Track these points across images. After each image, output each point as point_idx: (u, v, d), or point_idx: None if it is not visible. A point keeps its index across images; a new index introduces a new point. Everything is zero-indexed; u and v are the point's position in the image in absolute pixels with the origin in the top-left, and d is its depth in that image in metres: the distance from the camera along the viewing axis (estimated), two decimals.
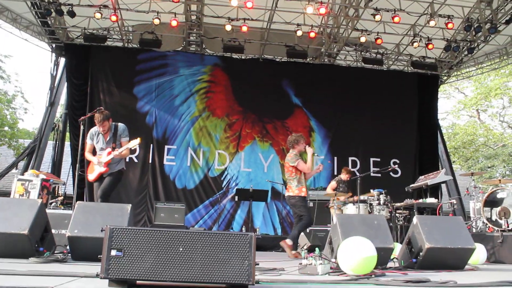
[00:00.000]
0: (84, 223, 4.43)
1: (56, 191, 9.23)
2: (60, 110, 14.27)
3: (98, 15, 10.82)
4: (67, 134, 12.63)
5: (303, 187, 6.80)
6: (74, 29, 11.90)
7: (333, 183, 9.32)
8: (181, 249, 2.58)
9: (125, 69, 12.19)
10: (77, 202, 4.79)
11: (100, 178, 6.24)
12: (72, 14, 10.77)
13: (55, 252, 4.73)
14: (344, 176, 9.32)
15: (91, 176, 6.27)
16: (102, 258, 2.54)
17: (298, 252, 6.54)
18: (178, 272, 2.54)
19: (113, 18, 10.91)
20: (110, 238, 2.57)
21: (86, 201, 10.74)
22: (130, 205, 4.80)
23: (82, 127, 6.85)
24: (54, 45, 12.46)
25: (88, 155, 6.39)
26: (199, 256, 2.57)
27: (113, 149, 6.19)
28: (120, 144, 6.27)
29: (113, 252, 2.54)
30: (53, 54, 12.52)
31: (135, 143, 6.14)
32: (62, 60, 12.55)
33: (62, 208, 8.92)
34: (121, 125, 6.35)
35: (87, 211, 4.60)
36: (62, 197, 9.30)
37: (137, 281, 2.57)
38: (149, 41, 11.73)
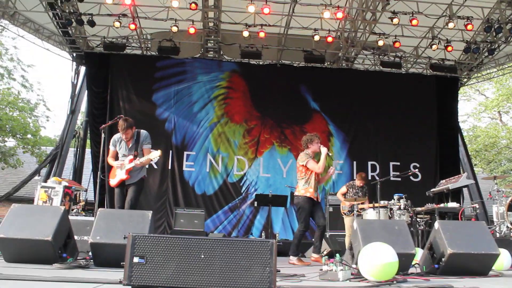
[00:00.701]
0: (106, 229, 4.48)
1: (78, 198, 9.36)
2: (81, 118, 14.50)
3: (117, 24, 11.00)
4: (88, 141, 12.80)
5: (310, 188, 6.50)
6: (94, 38, 12.12)
7: (343, 188, 9.07)
8: (202, 256, 2.60)
9: (144, 77, 12.32)
10: (99, 209, 4.84)
11: (122, 184, 6.30)
12: (92, 23, 10.98)
13: (78, 258, 4.78)
14: (358, 182, 9.02)
15: (113, 181, 6.34)
16: (125, 265, 2.58)
17: (320, 256, 6.38)
18: (200, 279, 2.55)
19: (132, 26, 11.05)
20: (132, 245, 2.60)
21: (106, 207, 10.91)
22: (151, 212, 4.80)
23: (103, 135, 6.91)
24: (74, 54, 12.70)
25: (110, 161, 6.47)
26: (220, 263, 2.58)
27: (135, 156, 6.24)
28: (142, 151, 6.32)
29: (136, 259, 2.57)
30: (74, 63, 12.78)
31: (156, 155, 6.16)
32: (83, 69, 12.78)
33: (84, 214, 9.08)
34: (143, 132, 6.42)
35: (109, 218, 4.66)
36: (83, 204, 9.45)
37: None
38: (167, 49, 11.87)
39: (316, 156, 6.77)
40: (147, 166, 6.64)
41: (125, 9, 10.85)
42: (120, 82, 12.19)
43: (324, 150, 6.60)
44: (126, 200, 6.19)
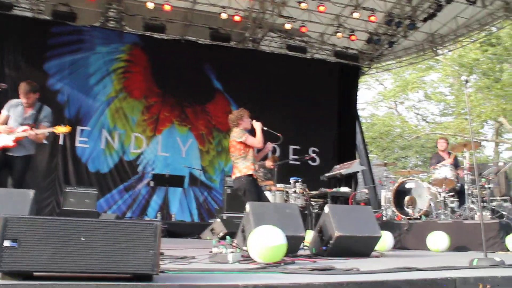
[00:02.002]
0: None
1: None
2: None
3: None
4: None
5: (251, 165, 5.92)
6: None
7: None
8: (82, 239, 2.45)
9: (35, 43, 11.18)
10: None
11: (3, 152, 5.61)
12: None
13: None
14: (268, 163, 9.04)
15: None
16: None
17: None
18: (79, 263, 2.41)
19: None
20: (3, 228, 2.38)
21: None
22: (33, 190, 4.39)
23: None
24: None
25: None
26: (102, 246, 2.45)
27: (31, 128, 5.64)
28: (38, 127, 5.74)
29: (7, 243, 2.36)
30: None
31: (63, 130, 5.74)
32: None
33: None
34: (47, 108, 5.94)
35: None
36: None
37: (34, 273, 2.39)
38: (62, 14, 10.95)
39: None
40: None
41: None
42: (6, 46, 11.01)
43: (258, 124, 6.11)
44: (11, 177, 5.62)
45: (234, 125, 6.16)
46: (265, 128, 6.17)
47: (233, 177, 6.07)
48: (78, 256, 2.40)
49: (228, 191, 9.90)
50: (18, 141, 5.60)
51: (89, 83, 11.63)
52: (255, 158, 6.11)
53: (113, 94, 11.80)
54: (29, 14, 11.56)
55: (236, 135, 6.03)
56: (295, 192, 8.24)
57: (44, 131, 5.76)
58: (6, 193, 4.48)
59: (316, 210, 8.36)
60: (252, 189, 5.91)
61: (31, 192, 4.31)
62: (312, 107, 13.07)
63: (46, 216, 5.72)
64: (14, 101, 5.85)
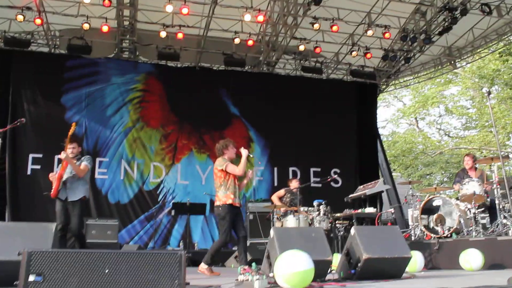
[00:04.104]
0: (2, 245, 4.02)
1: None
2: None
3: (20, 18, 10.06)
4: None
5: (231, 194, 6.17)
6: None
7: (281, 191, 9.08)
8: (107, 271, 2.47)
9: (51, 77, 11.34)
10: None
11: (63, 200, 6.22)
12: None
13: None
14: (293, 184, 9.06)
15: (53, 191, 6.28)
16: (18, 285, 2.41)
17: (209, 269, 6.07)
18: None
19: (38, 21, 10.21)
20: (28, 263, 2.42)
21: (8, 220, 9.99)
22: (55, 223, 4.47)
23: (0, 140, 6.60)
24: None
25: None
26: (126, 278, 2.46)
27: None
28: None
29: (32, 278, 2.39)
30: None
31: (71, 130, 6.56)
32: None
33: None
34: (87, 156, 6.70)
35: (6, 232, 4.24)
36: None
37: None
38: (78, 47, 11.08)
39: (235, 163, 6.44)
40: (87, 187, 6.55)
41: (30, 1, 9.99)
42: (23, 82, 11.16)
43: (244, 152, 6.38)
44: (70, 225, 6.13)
45: (219, 154, 6.46)
46: (251, 156, 6.67)
47: (215, 203, 6.33)
48: None
49: (251, 217, 9.80)
50: (64, 169, 6.26)
51: (106, 114, 11.69)
52: (237, 186, 6.36)
53: (130, 125, 11.82)
54: (45, 49, 11.74)
55: (218, 163, 6.33)
56: (319, 214, 8.07)
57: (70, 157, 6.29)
58: (28, 227, 4.47)
59: (341, 233, 8.15)
60: (227, 218, 6.11)
61: (53, 226, 4.36)
62: (331, 127, 12.92)
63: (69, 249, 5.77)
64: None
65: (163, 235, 11.32)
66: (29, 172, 10.78)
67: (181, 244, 10.68)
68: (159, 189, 11.66)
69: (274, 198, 9.04)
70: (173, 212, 10.90)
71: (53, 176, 6.34)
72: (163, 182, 11.72)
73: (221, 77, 12.70)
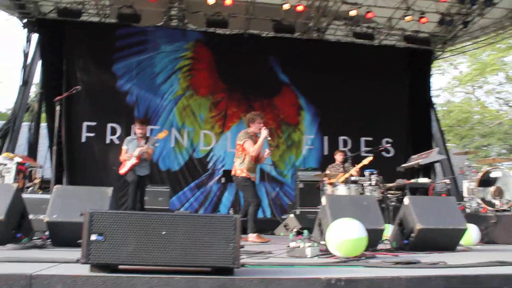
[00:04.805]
0: (62, 207, 4.35)
1: (33, 175, 8.87)
2: (35, 90, 13.64)
3: None
4: (43, 115, 12.05)
5: (245, 169, 6.50)
6: (46, 3, 11.23)
7: (327, 171, 9.13)
8: (164, 233, 2.56)
9: (102, 46, 11.55)
10: (55, 186, 4.71)
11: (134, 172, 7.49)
12: None
13: (34, 238, 4.64)
14: (339, 157, 9.16)
15: (123, 169, 7.56)
16: (82, 243, 2.51)
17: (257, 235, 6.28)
18: (161, 256, 2.53)
19: None
20: (90, 223, 2.53)
21: (65, 185, 10.36)
22: (112, 188, 4.64)
23: (58, 108, 7.02)
24: (25, 20, 11.69)
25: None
26: (182, 240, 2.55)
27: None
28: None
29: (94, 237, 2.51)
30: (25, 30, 11.81)
31: (163, 135, 7.60)
32: (35, 36, 11.80)
33: (40, 192, 8.56)
34: (152, 137, 7.91)
35: (66, 195, 4.53)
36: (39, 181, 8.95)
37: (119, 266, 2.55)
38: (127, 16, 11.12)
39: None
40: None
41: None
42: (76, 51, 11.40)
43: (264, 133, 6.47)
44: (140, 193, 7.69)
45: (246, 125, 6.85)
46: (269, 139, 6.61)
47: (232, 172, 6.77)
48: (159, 249, 2.51)
49: (301, 185, 9.81)
50: (140, 158, 7.35)
51: (156, 83, 11.81)
52: (252, 161, 6.58)
53: (180, 92, 11.90)
54: (95, 19, 11.89)
55: (239, 136, 6.67)
56: (370, 184, 7.91)
57: (151, 146, 7.47)
58: (86, 191, 4.74)
59: (393, 203, 8.00)
60: (247, 184, 6.53)
61: (109, 190, 4.62)
62: (383, 96, 12.52)
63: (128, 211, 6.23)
64: (129, 138, 7.85)
65: (213, 203, 11.48)
66: (83, 139, 11.12)
67: (231, 211, 10.82)
68: (209, 157, 11.76)
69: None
70: (223, 180, 10.99)
71: (128, 158, 7.36)
72: (213, 150, 11.80)
73: (270, 44, 12.47)
